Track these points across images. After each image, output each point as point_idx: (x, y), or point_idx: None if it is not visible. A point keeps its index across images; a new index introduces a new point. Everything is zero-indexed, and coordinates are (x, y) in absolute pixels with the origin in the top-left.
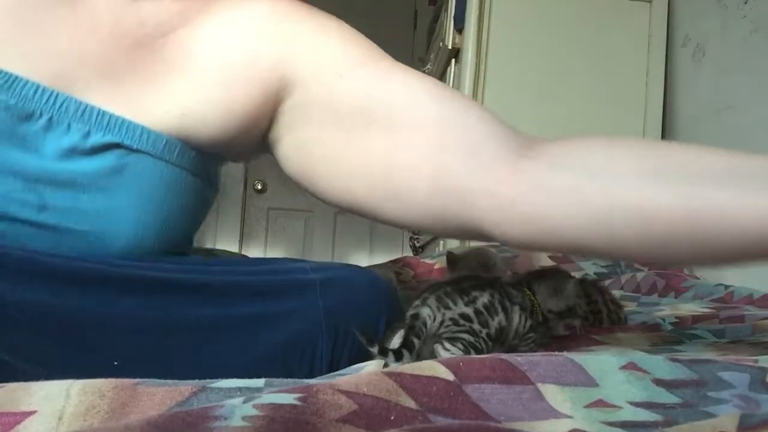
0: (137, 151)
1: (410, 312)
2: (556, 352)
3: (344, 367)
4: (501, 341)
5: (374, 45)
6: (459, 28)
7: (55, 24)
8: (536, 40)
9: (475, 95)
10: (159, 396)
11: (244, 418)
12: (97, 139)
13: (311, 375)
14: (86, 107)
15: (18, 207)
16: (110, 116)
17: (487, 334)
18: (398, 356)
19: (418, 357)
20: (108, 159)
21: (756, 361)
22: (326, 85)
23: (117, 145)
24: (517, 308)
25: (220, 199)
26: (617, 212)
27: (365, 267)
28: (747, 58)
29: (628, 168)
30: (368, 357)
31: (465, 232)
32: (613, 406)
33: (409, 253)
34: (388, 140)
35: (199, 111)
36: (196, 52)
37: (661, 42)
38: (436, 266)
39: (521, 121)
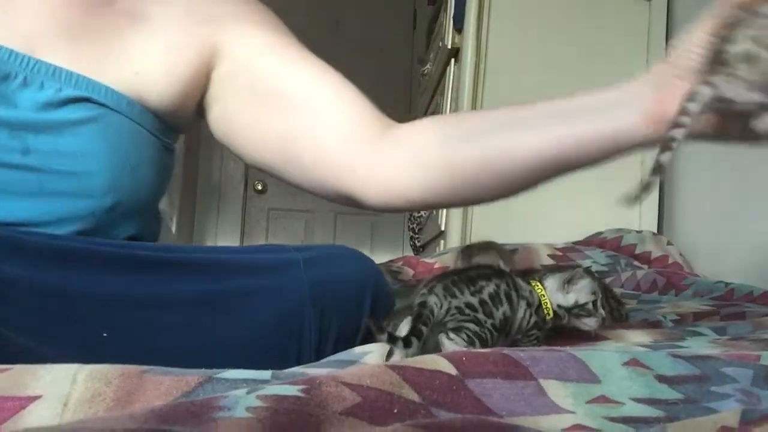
0: (104, 106)
1: (418, 300)
2: (559, 348)
3: (333, 340)
4: (506, 332)
5: (290, 33)
6: (458, 27)
7: None
8: (535, 40)
9: (474, 94)
10: (165, 385)
11: (247, 409)
12: (68, 93)
13: (300, 349)
14: (56, 68)
15: (3, 153)
16: (77, 76)
17: (492, 325)
18: (407, 343)
19: (424, 345)
20: (80, 110)
21: (759, 357)
22: (245, 63)
23: (86, 99)
24: (523, 303)
25: (220, 199)
26: (440, 172)
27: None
28: None
29: (445, 136)
30: (356, 330)
31: (341, 198)
32: (616, 402)
33: (409, 252)
34: (287, 118)
35: (150, 72)
36: (141, 19)
37: (661, 41)
38: (436, 265)
39: None
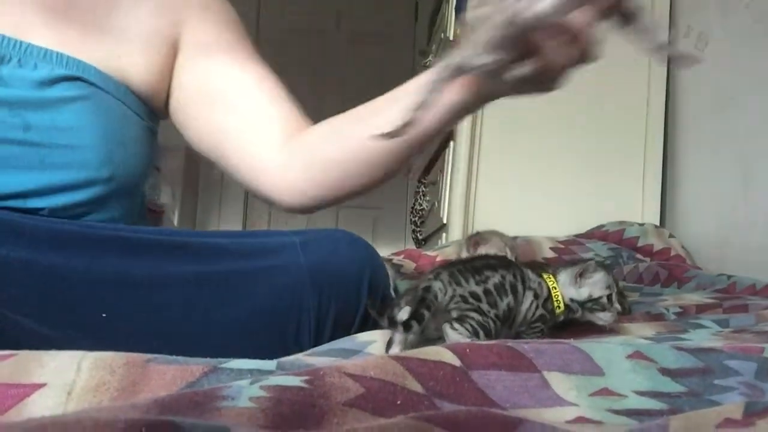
0: (94, 85)
1: (422, 285)
2: (563, 340)
3: (332, 321)
4: (509, 323)
5: (244, 33)
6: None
7: None
8: None
9: None
10: (170, 375)
11: (251, 399)
12: (60, 72)
13: (299, 330)
14: (46, 51)
15: (6, 130)
16: (67, 57)
17: (495, 315)
18: (407, 327)
19: (423, 332)
20: (73, 88)
21: (762, 349)
22: (196, 58)
23: (78, 78)
24: (530, 294)
25: (222, 193)
26: (321, 168)
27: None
28: (750, 49)
29: (321, 135)
30: (355, 311)
31: (261, 198)
32: (619, 394)
33: (411, 245)
34: (221, 118)
35: (130, 54)
36: (115, 7)
37: (663, 32)
38: (438, 258)
39: (521, 114)
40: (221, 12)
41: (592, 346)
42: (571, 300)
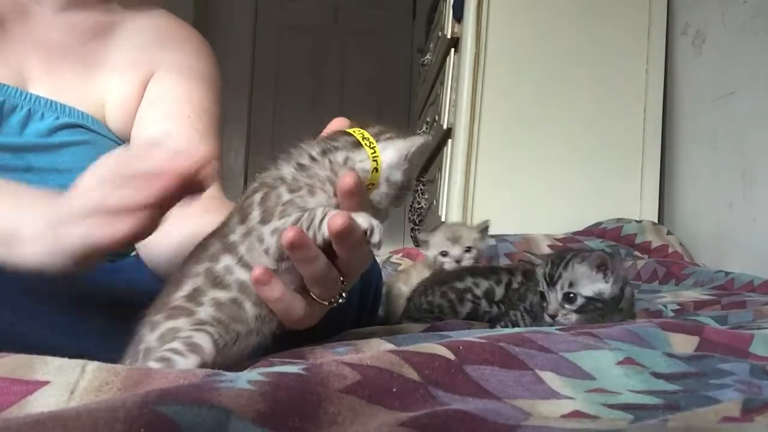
0: (93, 131)
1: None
2: (551, 349)
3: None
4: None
5: (206, 98)
6: (458, 17)
7: (12, 40)
8: (535, 29)
9: (474, 84)
10: (173, 375)
11: (249, 382)
12: (65, 120)
13: None
14: (51, 101)
15: (7, 172)
16: (69, 107)
17: (524, 308)
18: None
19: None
20: (75, 134)
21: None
22: (142, 110)
23: (79, 126)
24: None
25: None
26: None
27: None
28: (747, 45)
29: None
30: (347, 304)
31: None
32: (614, 392)
33: (410, 244)
34: None
35: (113, 102)
36: (105, 61)
37: (661, 29)
38: None
39: (521, 109)
40: (193, 72)
41: (579, 355)
42: None
